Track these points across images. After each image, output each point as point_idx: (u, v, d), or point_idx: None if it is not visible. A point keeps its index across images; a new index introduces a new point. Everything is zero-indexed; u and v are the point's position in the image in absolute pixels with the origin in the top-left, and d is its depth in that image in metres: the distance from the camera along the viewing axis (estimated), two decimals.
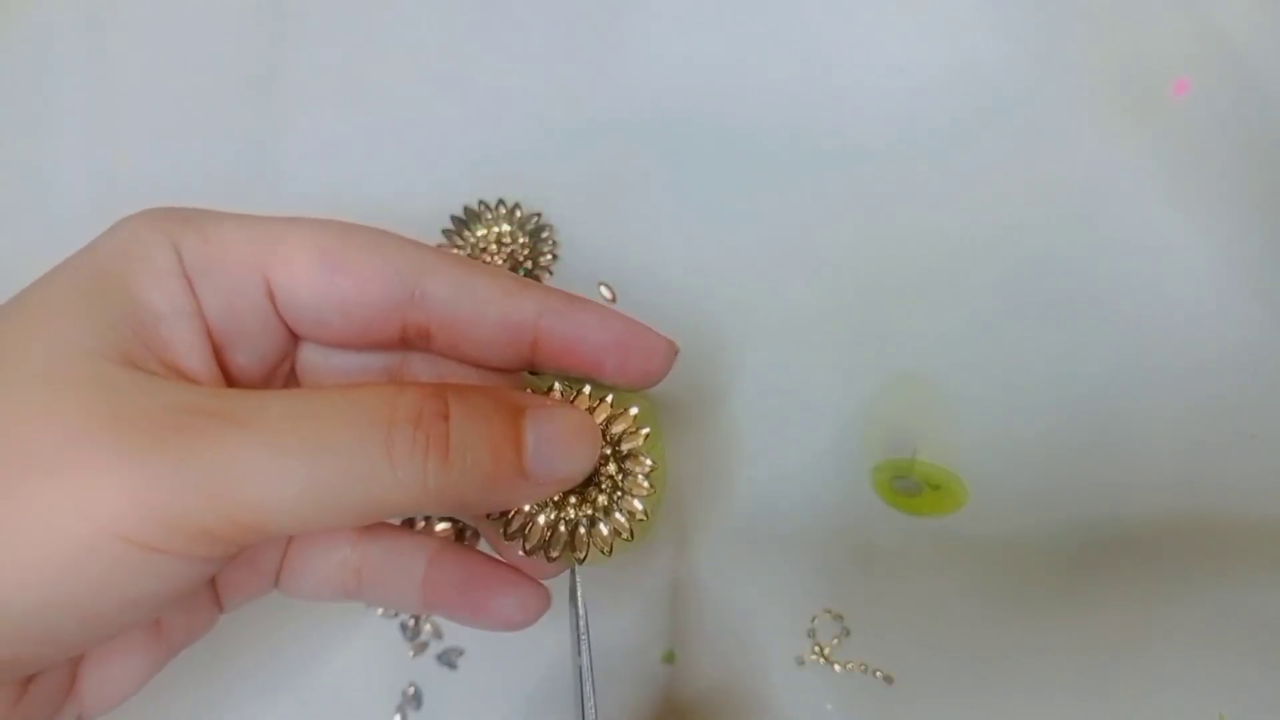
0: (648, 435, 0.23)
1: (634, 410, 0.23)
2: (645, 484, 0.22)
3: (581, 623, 0.23)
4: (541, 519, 0.22)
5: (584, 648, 0.23)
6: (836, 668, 0.32)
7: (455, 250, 0.36)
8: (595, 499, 0.22)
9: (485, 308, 0.22)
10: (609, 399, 0.23)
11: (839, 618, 0.32)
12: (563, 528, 0.22)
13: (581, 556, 0.22)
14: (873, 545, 0.33)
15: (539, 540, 0.22)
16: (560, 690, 0.32)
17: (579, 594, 0.23)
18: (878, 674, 0.32)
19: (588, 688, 0.23)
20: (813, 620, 0.32)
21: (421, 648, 0.33)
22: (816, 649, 0.32)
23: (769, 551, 0.33)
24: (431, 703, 0.32)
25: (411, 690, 0.32)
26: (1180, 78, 0.37)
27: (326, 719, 0.32)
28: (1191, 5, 0.37)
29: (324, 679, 0.32)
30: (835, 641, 0.32)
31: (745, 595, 0.33)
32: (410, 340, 0.22)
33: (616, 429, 0.22)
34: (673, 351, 0.23)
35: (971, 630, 0.32)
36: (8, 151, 0.39)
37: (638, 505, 0.22)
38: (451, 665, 0.32)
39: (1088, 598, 0.32)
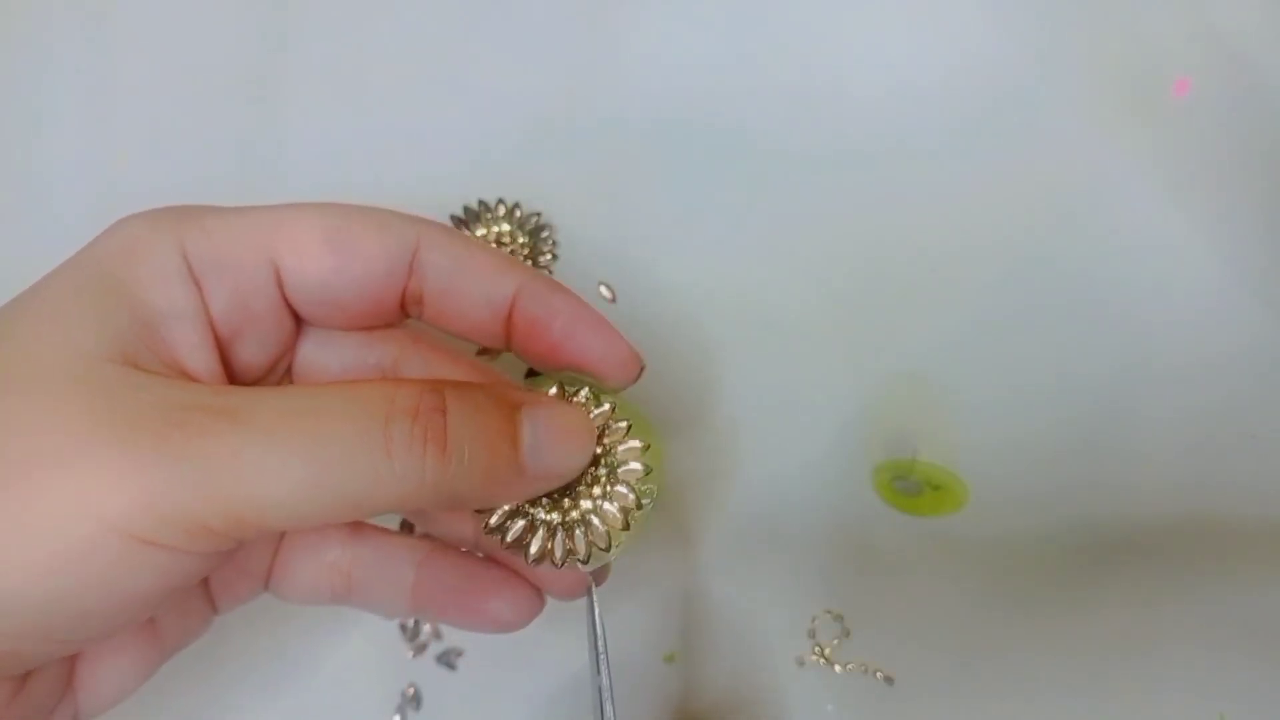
0: (647, 448, 0.22)
1: (624, 423, 0.22)
2: (630, 494, 0.22)
3: (600, 640, 0.23)
4: (521, 520, 0.22)
5: (603, 665, 0.23)
6: (837, 668, 0.32)
7: None
8: (579, 503, 0.22)
9: (474, 278, 0.23)
10: (606, 407, 0.22)
11: (839, 618, 0.32)
12: (543, 529, 0.22)
13: (559, 559, 0.22)
14: (873, 546, 0.33)
15: (518, 537, 0.22)
16: (558, 690, 0.32)
17: (597, 611, 0.23)
18: (878, 674, 0.32)
19: (608, 709, 0.23)
20: (813, 621, 0.32)
21: (421, 648, 0.33)
22: (817, 649, 0.32)
23: (769, 552, 0.33)
24: (431, 703, 0.32)
25: (411, 691, 0.32)
26: (1180, 78, 0.37)
27: (326, 719, 0.32)
28: (1191, 5, 0.37)
29: (323, 679, 0.32)
30: (836, 642, 0.32)
31: (746, 596, 0.33)
32: (406, 308, 0.23)
33: (610, 439, 0.22)
34: (637, 362, 0.24)
35: (972, 630, 0.32)
36: (6, 151, 0.39)
37: (618, 514, 0.22)
38: (451, 666, 0.32)
39: (1088, 598, 0.32)
